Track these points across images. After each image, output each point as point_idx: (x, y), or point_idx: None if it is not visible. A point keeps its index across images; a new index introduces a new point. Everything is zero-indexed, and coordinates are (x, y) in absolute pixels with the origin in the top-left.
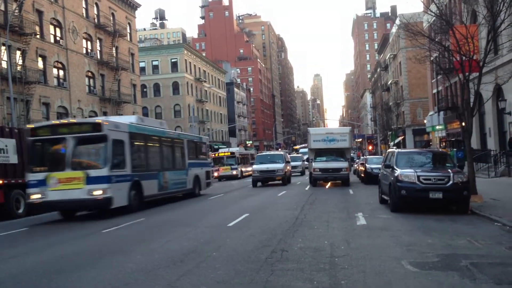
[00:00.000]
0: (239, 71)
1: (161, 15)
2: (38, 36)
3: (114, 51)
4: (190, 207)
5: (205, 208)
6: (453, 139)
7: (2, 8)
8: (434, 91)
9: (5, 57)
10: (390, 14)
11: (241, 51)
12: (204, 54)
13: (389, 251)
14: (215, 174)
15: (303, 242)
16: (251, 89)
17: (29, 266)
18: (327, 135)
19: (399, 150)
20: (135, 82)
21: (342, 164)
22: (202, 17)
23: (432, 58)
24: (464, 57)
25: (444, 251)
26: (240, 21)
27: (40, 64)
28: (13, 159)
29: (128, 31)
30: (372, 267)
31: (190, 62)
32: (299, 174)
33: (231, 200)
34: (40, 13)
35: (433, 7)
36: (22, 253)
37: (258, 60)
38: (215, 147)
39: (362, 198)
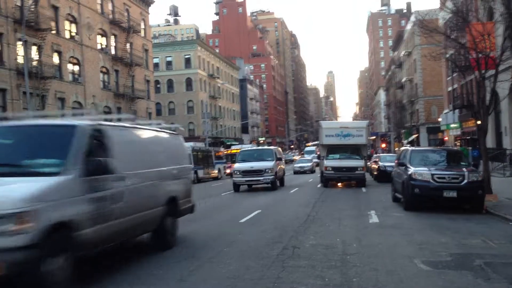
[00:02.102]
0: (252, 68)
1: (175, 11)
2: (53, 32)
3: (128, 47)
4: (203, 202)
5: (217, 204)
6: (468, 137)
7: (19, 3)
8: (449, 89)
9: (21, 53)
10: (405, 11)
11: (255, 47)
12: (217, 51)
13: (402, 250)
14: (227, 170)
15: (314, 239)
16: (264, 85)
17: None
18: (341, 129)
19: (413, 148)
20: (149, 78)
21: (357, 163)
22: (216, 13)
23: (447, 56)
24: (480, 55)
25: (458, 250)
26: (254, 17)
27: (56, 59)
28: None
29: (142, 27)
30: (384, 265)
31: (203, 59)
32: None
33: (243, 196)
34: (56, 8)
35: (449, 4)
36: None
37: (271, 56)
38: (227, 143)
39: (374, 196)
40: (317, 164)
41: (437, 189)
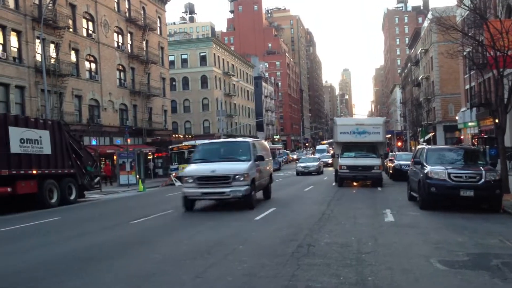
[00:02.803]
0: (267, 65)
1: (190, 9)
2: (71, 30)
3: (144, 44)
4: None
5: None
6: (486, 136)
7: (37, 2)
8: (467, 86)
9: (39, 50)
10: (422, 8)
11: (270, 45)
12: (232, 48)
13: (417, 249)
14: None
15: (329, 238)
16: (279, 83)
17: (60, 255)
18: (357, 126)
19: (429, 146)
20: (165, 76)
21: (374, 162)
22: (231, 11)
23: (465, 53)
24: (498, 52)
25: (475, 250)
26: (269, 15)
27: (73, 57)
28: (47, 150)
29: (158, 25)
30: (400, 264)
31: (218, 56)
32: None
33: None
34: (73, 6)
35: (466, 1)
36: (53, 242)
37: (287, 54)
38: None
39: (390, 195)
40: (326, 164)
41: (453, 188)
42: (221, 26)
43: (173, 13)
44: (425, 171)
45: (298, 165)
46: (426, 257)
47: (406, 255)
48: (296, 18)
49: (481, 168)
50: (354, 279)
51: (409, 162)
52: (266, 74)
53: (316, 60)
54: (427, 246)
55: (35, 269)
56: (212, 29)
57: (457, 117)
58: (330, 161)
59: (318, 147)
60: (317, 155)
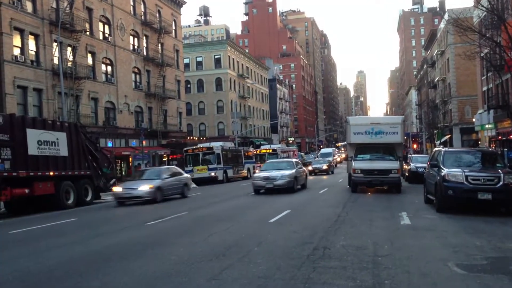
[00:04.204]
0: (281, 68)
1: (205, 12)
2: (87, 33)
3: (159, 47)
4: (233, 201)
5: (247, 203)
6: (504, 138)
7: (54, 5)
8: (484, 88)
9: (56, 53)
10: (438, 9)
11: (284, 47)
12: (247, 51)
13: (435, 252)
14: (257, 170)
15: (345, 240)
16: (294, 85)
17: (77, 255)
18: (372, 126)
19: (446, 149)
20: (180, 78)
21: (391, 165)
22: (246, 14)
23: (482, 54)
24: None
25: (493, 254)
26: (284, 17)
27: (90, 60)
28: (64, 151)
29: (174, 28)
30: (417, 268)
31: (233, 59)
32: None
33: (273, 196)
34: (90, 10)
35: (484, 2)
36: (70, 243)
37: (301, 56)
38: (257, 143)
39: (406, 197)
40: (319, 171)
41: (471, 191)
42: (236, 29)
43: (188, 16)
44: (442, 174)
45: (256, 175)
46: (444, 260)
47: (423, 259)
48: (311, 20)
49: (499, 170)
50: (370, 282)
51: (425, 165)
52: (281, 76)
53: (331, 62)
54: (445, 249)
55: (53, 269)
56: (227, 31)
57: (474, 119)
58: (324, 167)
59: (323, 150)
60: (322, 158)
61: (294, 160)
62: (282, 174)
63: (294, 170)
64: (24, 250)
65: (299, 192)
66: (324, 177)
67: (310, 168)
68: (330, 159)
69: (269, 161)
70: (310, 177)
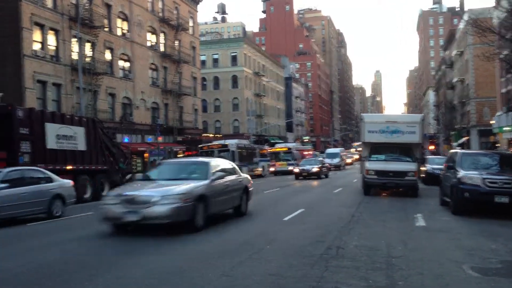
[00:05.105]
0: (297, 66)
1: (222, 9)
2: (106, 29)
3: (176, 44)
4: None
5: (262, 201)
6: None
7: (74, 1)
8: (503, 90)
9: (76, 49)
10: (457, 9)
11: (301, 46)
12: (264, 48)
13: (449, 254)
14: (271, 169)
15: (358, 240)
16: (309, 84)
17: (91, 249)
18: (388, 124)
19: (463, 151)
20: (196, 75)
21: (407, 166)
22: (263, 11)
23: (501, 56)
24: None
25: (509, 257)
26: (301, 15)
27: (108, 56)
28: (82, 146)
29: (191, 24)
30: (431, 270)
31: (249, 56)
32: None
33: (287, 194)
34: (108, 6)
35: (504, 3)
36: (85, 237)
37: (317, 55)
38: (271, 141)
39: (421, 199)
40: (308, 174)
41: (488, 194)
42: (252, 26)
43: (205, 13)
44: (459, 176)
45: (112, 193)
46: (458, 263)
47: (438, 261)
48: (328, 19)
49: None
50: (384, 283)
51: (441, 166)
52: (297, 75)
53: (347, 61)
54: (459, 252)
55: (67, 262)
56: (244, 29)
57: (492, 121)
58: (314, 169)
59: (328, 150)
60: (327, 160)
61: (218, 162)
62: (164, 192)
63: (201, 184)
64: (41, 242)
65: (312, 191)
66: (315, 182)
67: (296, 170)
68: (338, 160)
69: (165, 162)
70: (295, 183)
